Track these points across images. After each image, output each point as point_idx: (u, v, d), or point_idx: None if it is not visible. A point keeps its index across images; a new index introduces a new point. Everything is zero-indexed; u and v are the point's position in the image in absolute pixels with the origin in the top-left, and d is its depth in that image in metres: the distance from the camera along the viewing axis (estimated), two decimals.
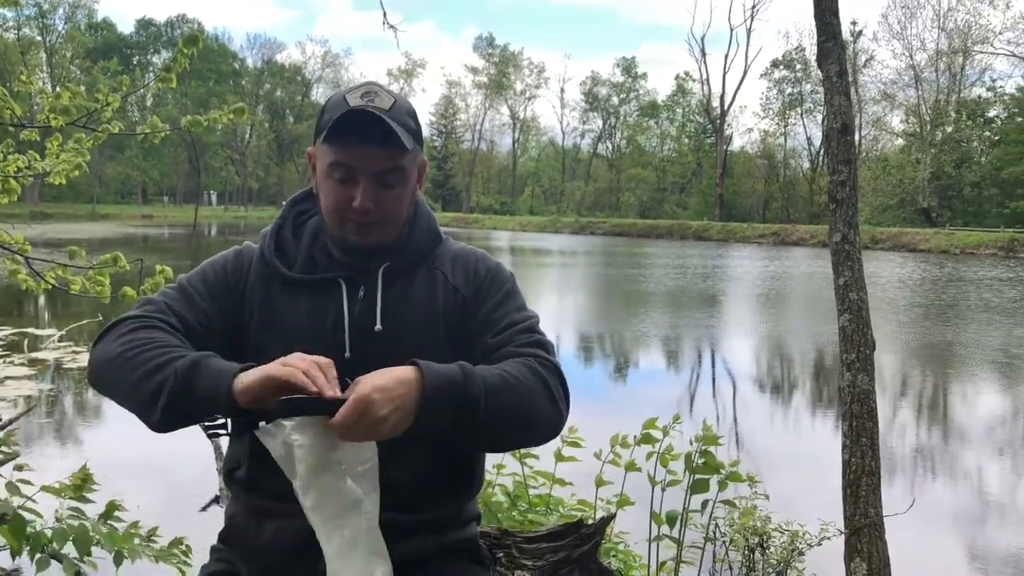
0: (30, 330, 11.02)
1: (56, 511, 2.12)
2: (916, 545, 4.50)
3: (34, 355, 9.33)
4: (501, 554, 1.73)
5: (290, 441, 1.19)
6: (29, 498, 2.03)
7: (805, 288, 21.91)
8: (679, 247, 42.98)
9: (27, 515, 2.00)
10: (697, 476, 3.09)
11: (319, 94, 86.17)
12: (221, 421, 1.35)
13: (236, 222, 60.91)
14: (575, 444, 3.08)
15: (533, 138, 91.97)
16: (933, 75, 59.98)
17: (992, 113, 59.69)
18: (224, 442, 1.55)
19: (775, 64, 68.77)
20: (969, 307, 17.90)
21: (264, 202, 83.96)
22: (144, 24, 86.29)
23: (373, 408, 1.16)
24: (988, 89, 59.87)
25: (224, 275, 1.48)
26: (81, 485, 2.15)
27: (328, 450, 1.20)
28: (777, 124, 69.41)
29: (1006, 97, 58.64)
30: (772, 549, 3.50)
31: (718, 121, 69.86)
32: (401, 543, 1.33)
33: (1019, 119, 55.81)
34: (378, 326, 1.41)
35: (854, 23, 61.57)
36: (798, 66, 66.87)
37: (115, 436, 6.51)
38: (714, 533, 3.44)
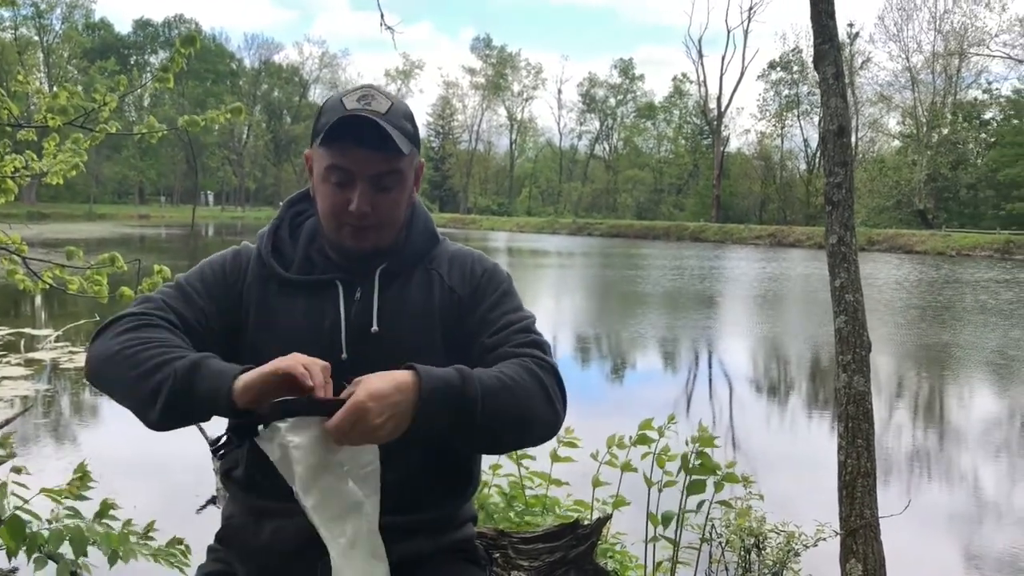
0: (27, 330, 10.99)
1: (52, 510, 2.12)
2: (912, 546, 4.50)
3: (31, 355, 9.31)
4: (497, 555, 1.73)
5: (286, 443, 1.19)
6: (26, 501, 2.03)
7: (801, 289, 21.94)
8: (676, 248, 43.01)
9: (24, 515, 2.00)
10: (693, 477, 3.10)
11: (316, 95, 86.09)
12: (225, 439, 1.34)
13: (233, 222, 60.75)
14: (571, 445, 3.09)
15: (530, 139, 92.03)
16: (929, 77, 60.18)
17: (988, 115, 59.89)
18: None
19: (772, 66, 68.85)
20: (965, 309, 17.94)
21: (261, 202, 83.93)
22: (141, 24, 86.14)
23: (368, 416, 1.16)
24: (984, 91, 60.05)
25: (222, 275, 1.48)
26: (79, 484, 2.15)
27: (328, 451, 1.20)
28: (774, 126, 69.46)
29: (1002, 99, 58.79)
30: (768, 550, 3.51)
31: (715, 123, 69.97)
32: (398, 544, 1.33)
33: (1015, 121, 55.98)
34: (374, 328, 1.42)
35: (850, 25, 61.78)
36: (795, 68, 66.94)
37: (111, 436, 6.51)
38: (710, 534, 3.45)
